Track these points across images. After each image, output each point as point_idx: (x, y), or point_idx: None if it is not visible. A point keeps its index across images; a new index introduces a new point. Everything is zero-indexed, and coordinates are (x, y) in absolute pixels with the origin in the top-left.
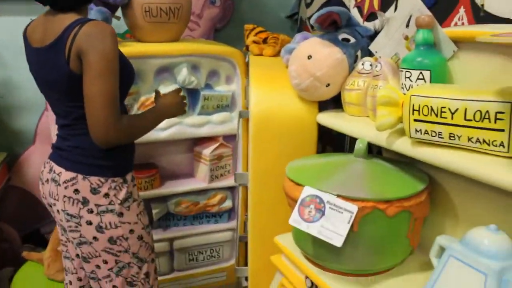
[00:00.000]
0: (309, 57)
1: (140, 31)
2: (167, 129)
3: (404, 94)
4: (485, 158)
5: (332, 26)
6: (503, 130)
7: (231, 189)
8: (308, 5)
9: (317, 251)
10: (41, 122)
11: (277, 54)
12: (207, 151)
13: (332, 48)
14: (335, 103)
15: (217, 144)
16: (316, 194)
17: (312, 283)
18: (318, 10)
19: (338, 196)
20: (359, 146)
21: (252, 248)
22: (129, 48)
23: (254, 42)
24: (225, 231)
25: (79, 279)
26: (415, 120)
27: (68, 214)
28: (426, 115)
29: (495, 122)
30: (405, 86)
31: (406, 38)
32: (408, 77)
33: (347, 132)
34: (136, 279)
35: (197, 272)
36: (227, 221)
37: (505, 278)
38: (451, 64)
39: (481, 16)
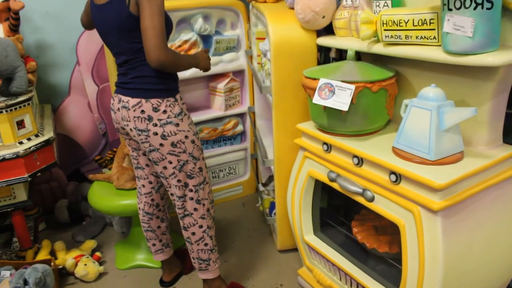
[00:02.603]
0: None
1: None
2: (189, 70)
3: (376, 16)
4: (426, 48)
5: None
6: (434, 29)
7: (241, 115)
8: None
9: (330, 121)
10: (74, 76)
11: (277, 0)
12: (221, 85)
13: None
14: (326, 31)
15: (228, 79)
16: (328, 82)
17: (328, 145)
18: None
19: (342, 81)
20: (350, 53)
21: (276, 137)
22: None
23: None
24: (239, 151)
25: (150, 182)
26: (385, 30)
27: (139, 130)
28: (391, 26)
29: (429, 24)
30: (376, 12)
31: None
32: (378, 6)
33: (341, 46)
34: (193, 172)
35: (219, 187)
36: (240, 143)
37: (441, 111)
38: None
39: None
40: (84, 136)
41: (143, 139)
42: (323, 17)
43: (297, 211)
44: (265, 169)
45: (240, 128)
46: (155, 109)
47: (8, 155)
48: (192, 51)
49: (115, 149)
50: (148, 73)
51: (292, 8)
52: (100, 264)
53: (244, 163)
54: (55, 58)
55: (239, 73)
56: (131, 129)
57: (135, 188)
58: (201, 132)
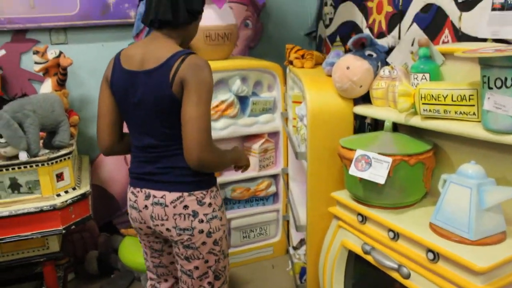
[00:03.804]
0: (348, 67)
1: (201, 52)
2: (225, 129)
3: (414, 88)
4: (466, 123)
5: (360, 46)
6: (473, 105)
7: (275, 176)
8: (327, 26)
9: (366, 192)
10: None
11: (313, 66)
12: (256, 145)
13: (362, 61)
14: (363, 99)
15: (263, 140)
16: (365, 153)
17: (363, 216)
18: (336, 30)
19: (379, 153)
20: (387, 124)
21: (309, 204)
22: None
23: (296, 58)
24: (271, 212)
25: (174, 277)
26: (423, 103)
27: (180, 229)
28: (429, 100)
29: (469, 100)
30: (414, 84)
31: (412, 53)
32: (416, 78)
33: (378, 116)
34: (221, 272)
35: (249, 248)
36: (272, 204)
37: (482, 189)
38: (442, 68)
39: (459, 35)
40: (118, 188)
41: (184, 239)
42: (361, 86)
43: (328, 281)
44: (297, 232)
45: (273, 189)
46: (200, 203)
47: (45, 207)
48: (229, 112)
49: None
50: (184, 163)
51: (330, 76)
52: None
53: (275, 224)
54: (96, 112)
55: (274, 134)
56: (168, 229)
57: None
58: (234, 192)
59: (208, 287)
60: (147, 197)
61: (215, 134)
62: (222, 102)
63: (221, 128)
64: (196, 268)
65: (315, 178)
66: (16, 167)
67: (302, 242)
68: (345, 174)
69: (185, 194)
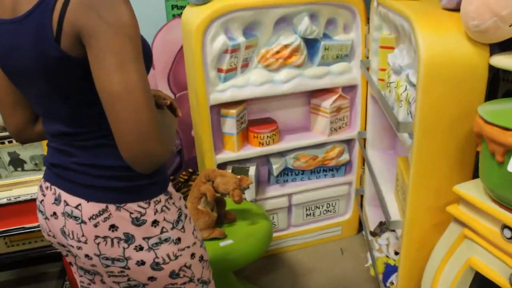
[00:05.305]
0: None
1: None
2: (288, 82)
3: None
4: None
5: None
6: None
7: (348, 142)
8: None
9: None
10: None
11: None
12: (326, 103)
13: None
14: (501, 46)
15: (336, 96)
16: None
17: None
18: None
19: None
20: None
21: (413, 194)
22: None
23: None
24: (342, 185)
25: None
26: None
27: (107, 259)
28: None
29: None
30: None
31: None
32: None
33: None
34: None
35: (313, 227)
36: (343, 175)
37: None
38: None
39: None
40: None
41: (116, 272)
42: (510, 25)
43: None
44: (374, 209)
45: (345, 157)
46: (137, 221)
47: None
48: (293, 59)
49: (190, 170)
50: (113, 160)
51: (449, 9)
52: None
53: (346, 200)
54: None
55: (350, 88)
56: (88, 256)
57: (213, 239)
58: (297, 160)
59: None
60: (57, 200)
61: (275, 89)
62: (285, 46)
63: (282, 81)
64: None
65: (423, 159)
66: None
67: (382, 226)
68: (483, 162)
69: (112, 207)
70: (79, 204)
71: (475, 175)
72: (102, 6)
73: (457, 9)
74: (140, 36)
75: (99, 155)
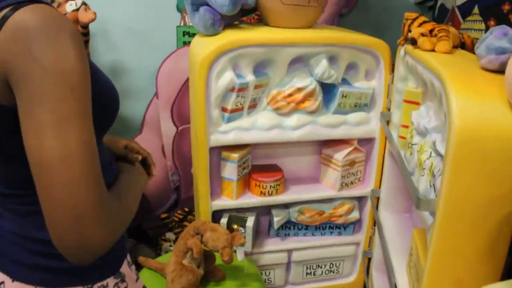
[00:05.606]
0: None
1: (274, 14)
2: (298, 129)
3: None
4: None
5: None
6: None
7: (360, 199)
8: None
9: None
10: (149, 110)
11: (450, 50)
12: (339, 155)
13: None
14: None
15: (351, 148)
16: None
17: None
18: None
19: None
20: None
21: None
22: (259, 34)
23: (422, 34)
24: (348, 245)
25: None
26: None
27: None
28: None
29: None
30: None
31: None
32: None
33: None
34: None
35: (313, 287)
36: (351, 234)
37: None
38: None
39: None
40: (152, 186)
41: None
42: None
43: None
44: (381, 275)
45: (355, 215)
46: None
47: None
48: (307, 104)
49: (186, 209)
50: (43, 233)
51: (490, 70)
52: None
53: (351, 261)
54: (131, 85)
55: (366, 141)
56: None
57: None
58: (302, 214)
59: None
60: None
61: (284, 135)
62: (299, 89)
63: (293, 127)
64: None
65: (446, 246)
66: None
67: None
68: None
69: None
70: (2, 282)
71: (507, 275)
72: (38, 43)
73: (499, 71)
74: (89, 86)
75: (32, 224)
